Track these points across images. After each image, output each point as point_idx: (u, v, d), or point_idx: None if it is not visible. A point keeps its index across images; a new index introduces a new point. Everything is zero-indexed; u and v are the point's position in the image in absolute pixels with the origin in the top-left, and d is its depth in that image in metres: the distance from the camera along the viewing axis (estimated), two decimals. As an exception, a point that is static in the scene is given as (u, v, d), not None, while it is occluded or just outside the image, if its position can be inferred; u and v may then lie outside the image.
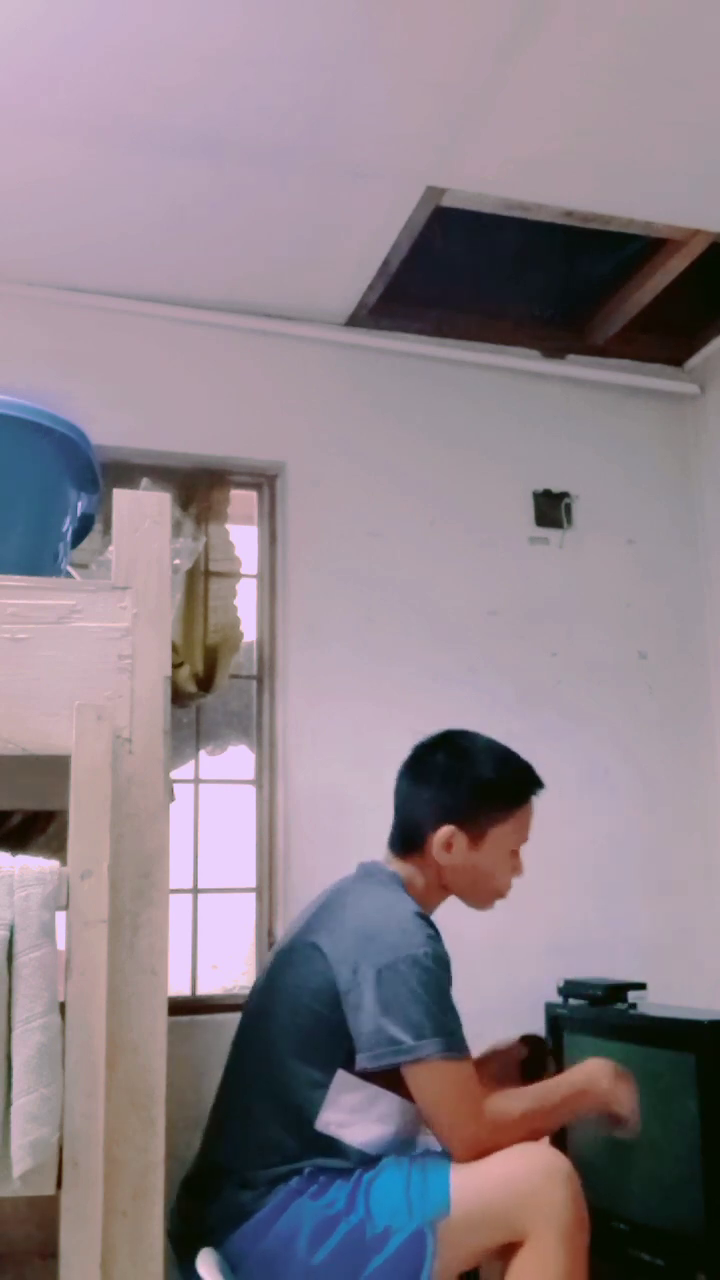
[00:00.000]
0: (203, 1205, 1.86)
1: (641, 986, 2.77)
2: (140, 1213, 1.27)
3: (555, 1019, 2.77)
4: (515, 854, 2.08)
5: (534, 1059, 2.17)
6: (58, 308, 3.11)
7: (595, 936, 3.11)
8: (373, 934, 1.86)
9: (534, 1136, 1.81)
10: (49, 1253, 1.36)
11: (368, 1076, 1.82)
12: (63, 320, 3.11)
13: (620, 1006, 2.69)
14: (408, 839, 2.07)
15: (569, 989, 2.83)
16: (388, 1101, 1.84)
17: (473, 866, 2.04)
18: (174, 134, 2.58)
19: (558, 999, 2.82)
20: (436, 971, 1.83)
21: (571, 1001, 2.81)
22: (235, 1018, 2.93)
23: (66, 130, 2.55)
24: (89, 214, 2.85)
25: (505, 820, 2.06)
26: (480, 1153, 1.77)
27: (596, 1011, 2.72)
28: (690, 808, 3.39)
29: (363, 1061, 1.80)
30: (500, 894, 2.08)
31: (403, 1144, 1.88)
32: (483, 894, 2.07)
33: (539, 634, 3.36)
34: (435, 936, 1.90)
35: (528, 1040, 2.20)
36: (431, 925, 1.93)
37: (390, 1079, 1.82)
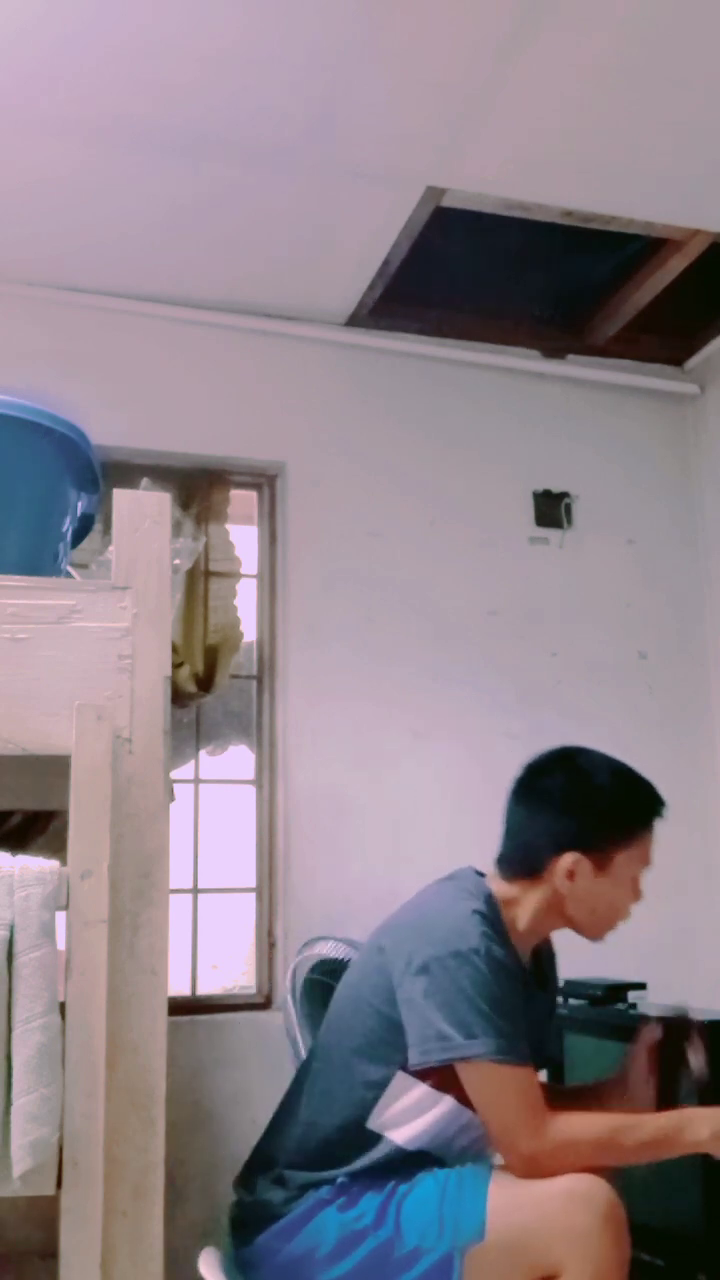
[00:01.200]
0: (245, 1195, 1.84)
1: (641, 986, 2.76)
2: (140, 1213, 1.27)
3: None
4: (636, 881, 1.93)
5: (672, 1044, 1.96)
6: (58, 308, 3.12)
7: (595, 936, 3.10)
8: (426, 928, 1.80)
9: (601, 1169, 1.68)
10: (49, 1253, 1.36)
11: (425, 1077, 1.76)
12: (63, 320, 3.11)
13: (620, 1006, 2.69)
14: (522, 864, 1.91)
15: (569, 989, 2.82)
16: (445, 1105, 1.77)
17: (597, 895, 1.89)
18: (174, 134, 2.58)
19: (652, 1017, 2.80)
20: (488, 971, 1.72)
21: (571, 1001, 2.80)
22: (235, 1018, 2.96)
23: (66, 130, 2.56)
24: (89, 214, 2.85)
25: (631, 846, 1.90)
26: (536, 1171, 1.67)
27: (596, 1011, 2.72)
28: (690, 808, 3.39)
29: (413, 1057, 1.73)
30: (619, 921, 1.95)
31: (449, 1146, 1.80)
32: (602, 923, 1.93)
33: (539, 634, 3.36)
34: (493, 937, 1.78)
35: (667, 1022, 2.00)
36: (491, 925, 1.80)
37: (449, 1081, 1.74)
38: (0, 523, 1.60)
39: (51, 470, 1.67)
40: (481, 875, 1.95)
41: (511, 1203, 1.66)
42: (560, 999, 2.79)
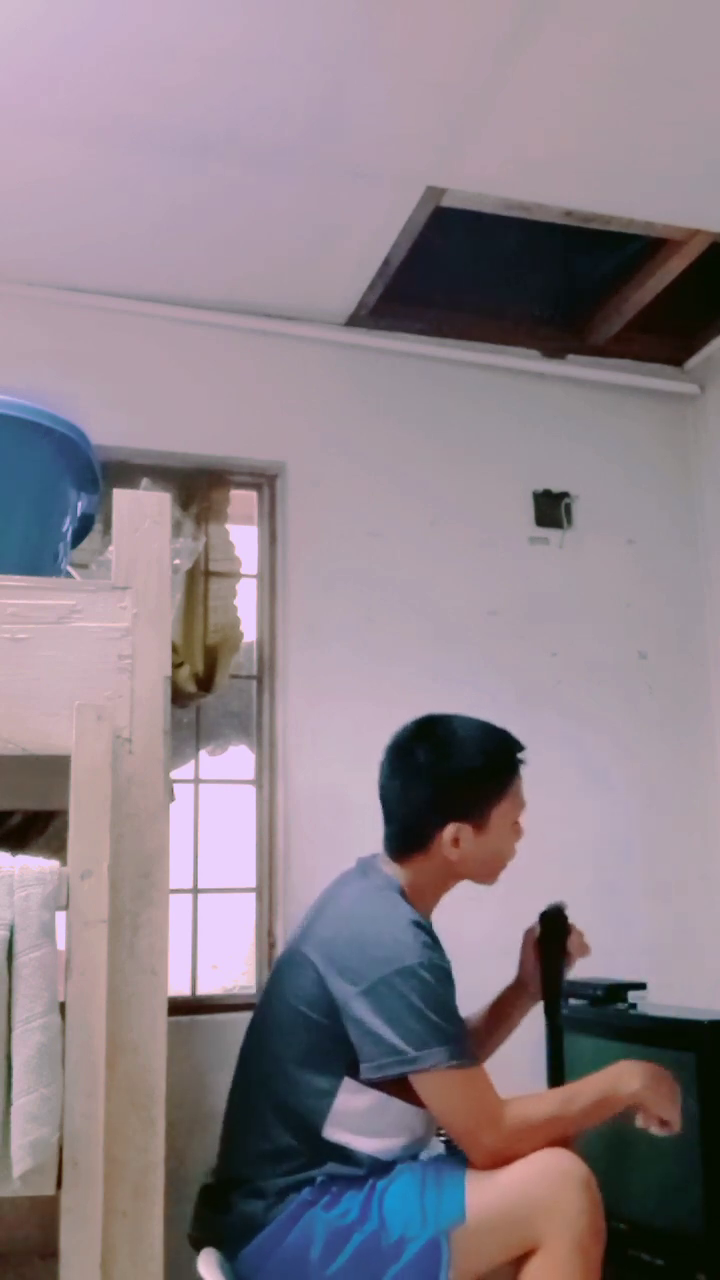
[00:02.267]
0: (217, 1215, 1.85)
1: (641, 986, 2.76)
2: (140, 1213, 1.27)
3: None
4: (516, 824, 2.06)
5: (548, 934, 2.14)
6: (58, 308, 3.11)
7: (595, 936, 3.09)
8: (365, 946, 1.83)
9: (558, 1142, 1.77)
10: (49, 1253, 1.36)
11: (374, 1084, 1.80)
12: (63, 320, 3.11)
13: (620, 1006, 2.69)
14: (409, 842, 2.01)
15: (569, 989, 2.82)
16: (398, 1108, 1.81)
17: (483, 851, 2.00)
18: (174, 134, 2.58)
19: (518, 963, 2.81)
20: (433, 982, 1.78)
21: (571, 1001, 2.80)
22: (235, 1018, 2.95)
23: (66, 130, 2.55)
24: (89, 214, 2.85)
25: (502, 798, 2.02)
26: (501, 1161, 1.74)
27: (596, 1011, 2.72)
28: (690, 807, 3.39)
29: (366, 1072, 1.78)
30: (506, 862, 2.07)
31: (414, 1146, 1.86)
32: (493, 871, 2.05)
33: (539, 634, 3.36)
34: (431, 944, 1.85)
35: (543, 916, 2.16)
36: (428, 932, 1.88)
37: (399, 1085, 1.79)
38: (0, 523, 1.60)
39: (51, 470, 1.67)
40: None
41: (489, 1183, 1.72)
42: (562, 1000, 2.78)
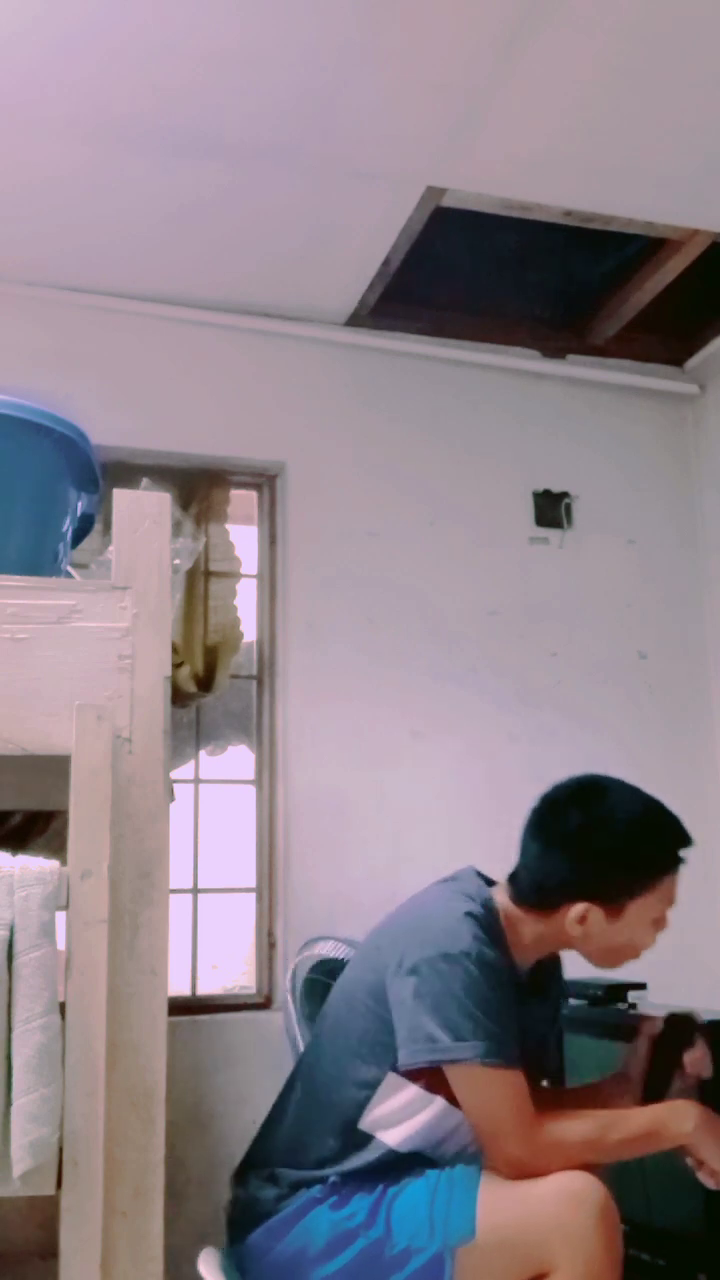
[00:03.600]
0: (238, 1191, 1.85)
1: (641, 986, 2.76)
2: (140, 1213, 1.27)
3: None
4: (658, 920, 1.89)
5: (668, 1040, 1.94)
6: (58, 308, 3.12)
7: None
8: (418, 929, 1.79)
9: (591, 1165, 1.68)
10: (49, 1253, 1.36)
11: (416, 1078, 1.75)
12: (63, 320, 3.11)
13: (620, 1006, 2.69)
14: (533, 898, 1.86)
15: (569, 989, 2.82)
16: (436, 1107, 1.76)
17: (609, 938, 1.85)
18: (174, 134, 2.58)
19: (657, 1016, 2.80)
20: (479, 974, 1.71)
21: (571, 1001, 2.80)
22: (235, 1018, 2.96)
23: (66, 130, 2.55)
24: (89, 214, 2.85)
25: (647, 892, 1.86)
26: (523, 1172, 1.66)
27: (596, 1011, 2.72)
28: (690, 808, 3.36)
29: (403, 1057, 1.73)
30: (634, 957, 1.89)
31: (441, 1147, 1.80)
32: (614, 960, 1.89)
33: (539, 634, 3.36)
34: (486, 940, 1.76)
35: (670, 1018, 1.98)
36: (485, 929, 1.78)
37: (439, 1083, 1.74)
38: (0, 523, 1.60)
39: (51, 470, 1.67)
40: (489, 881, 1.93)
41: (502, 1201, 1.66)
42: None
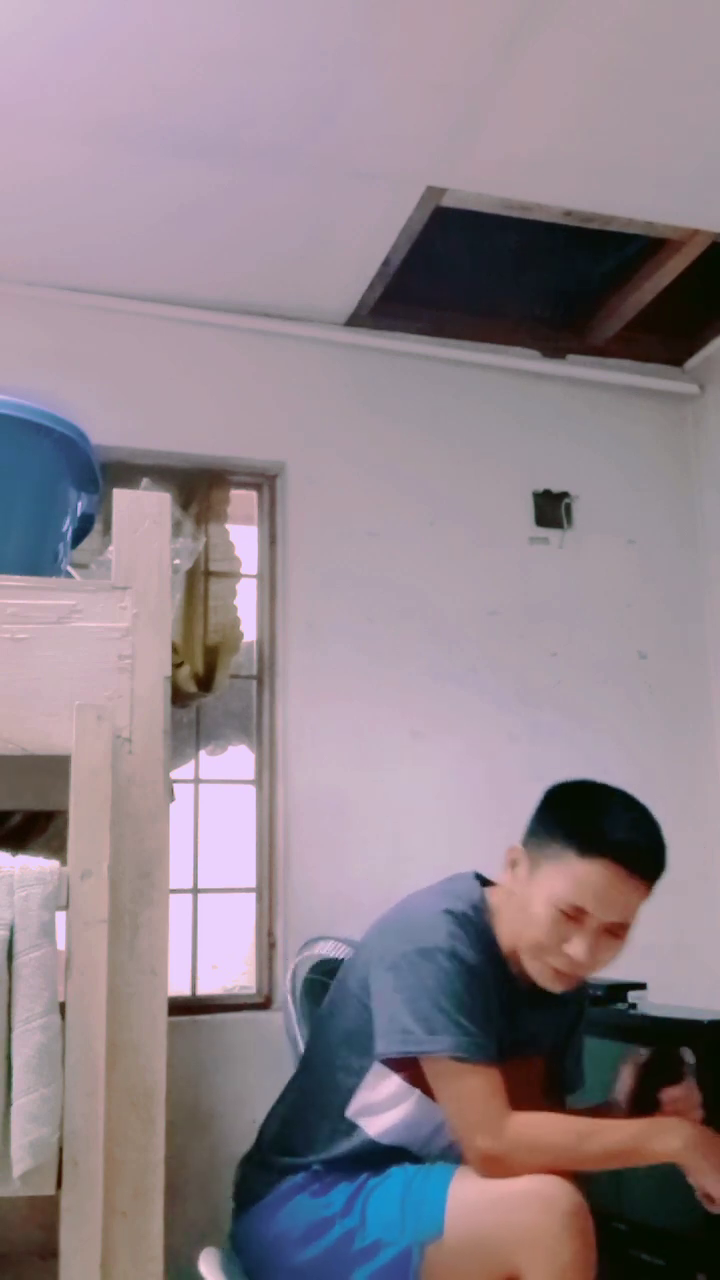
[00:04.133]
0: (241, 1170, 1.91)
1: (641, 986, 2.76)
2: (140, 1213, 1.27)
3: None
4: (569, 918, 1.76)
5: (655, 1069, 1.90)
6: (58, 308, 3.11)
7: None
8: (401, 926, 1.83)
9: (565, 1170, 1.65)
10: (49, 1253, 1.36)
11: (399, 1070, 1.78)
12: (63, 320, 3.11)
13: (620, 1006, 2.69)
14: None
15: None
16: (416, 1100, 1.78)
17: (521, 899, 1.81)
18: (174, 134, 2.58)
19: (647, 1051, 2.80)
20: (453, 970, 1.72)
21: (571, 1001, 2.80)
22: (235, 1018, 2.96)
23: (66, 130, 2.55)
24: (89, 214, 2.85)
25: (561, 861, 1.76)
26: (497, 1170, 1.65)
27: (596, 1011, 2.72)
28: (690, 807, 3.39)
29: (380, 1046, 1.75)
30: (542, 950, 1.78)
31: (424, 1140, 1.82)
32: (527, 942, 1.80)
33: (539, 634, 3.36)
34: (463, 939, 1.76)
35: (663, 1051, 1.94)
36: (464, 927, 1.78)
37: (420, 1076, 1.76)
38: (0, 523, 1.60)
39: (51, 470, 1.67)
40: (485, 882, 1.94)
41: (473, 1201, 1.65)
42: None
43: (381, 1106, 1.80)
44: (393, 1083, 1.79)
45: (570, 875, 1.75)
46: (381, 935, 1.86)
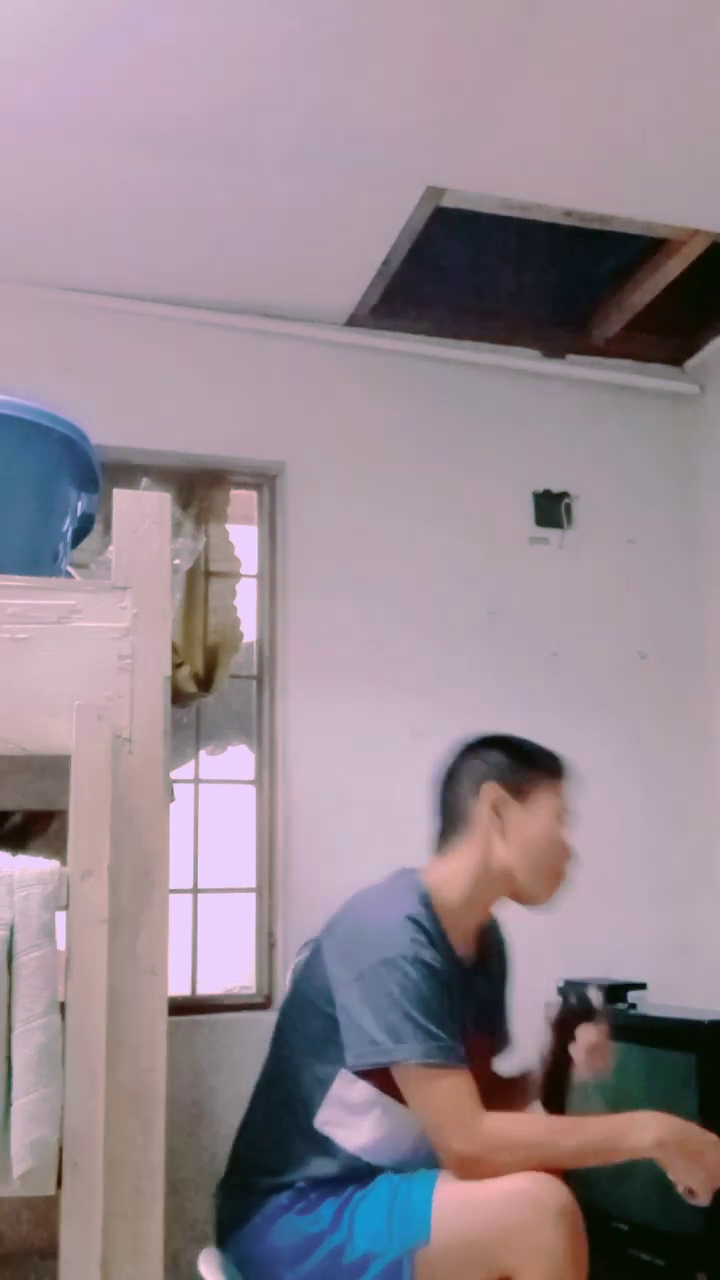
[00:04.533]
0: (219, 1199, 1.88)
1: (641, 986, 2.76)
2: (140, 1213, 1.27)
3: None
4: (566, 814, 1.93)
5: (564, 1017, 1.93)
6: (58, 308, 3.11)
7: (595, 936, 3.11)
8: (359, 934, 1.83)
9: (541, 1168, 1.65)
10: (49, 1253, 1.36)
11: (364, 1075, 1.78)
12: (63, 320, 3.11)
13: (620, 1006, 2.69)
14: (450, 824, 1.94)
15: (569, 989, 2.82)
16: (385, 1106, 1.78)
17: (525, 827, 1.88)
18: (174, 134, 2.58)
19: (558, 999, 2.82)
20: (417, 976, 1.73)
21: (571, 1001, 2.80)
22: (235, 1018, 2.96)
23: (66, 131, 2.55)
24: (89, 214, 2.85)
25: (548, 784, 1.93)
26: (473, 1171, 1.65)
27: (596, 1011, 2.72)
28: (690, 808, 3.39)
29: (349, 1059, 1.75)
30: (561, 865, 1.91)
31: (410, 1154, 1.80)
32: (539, 864, 1.88)
33: (539, 634, 3.36)
34: (423, 942, 1.78)
35: (564, 993, 2.00)
36: (424, 930, 1.80)
37: (388, 1082, 1.76)
38: (0, 523, 1.59)
39: (51, 470, 1.67)
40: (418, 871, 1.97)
41: (460, 1205, 1.64)
42: (561, 999, 2.78)
43: (352, 1112, 1.79)
44: (360, 1089, 1.78)
45: (559, 792, 1.95)
46: (340, 944, 1.84)
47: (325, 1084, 1.80)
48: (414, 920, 1.80)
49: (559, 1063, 1.91)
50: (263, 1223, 1.75)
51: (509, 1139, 1.69)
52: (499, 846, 1.89)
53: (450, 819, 1.96)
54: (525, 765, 1.94)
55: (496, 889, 1.92)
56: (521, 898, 1.93)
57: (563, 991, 1.96)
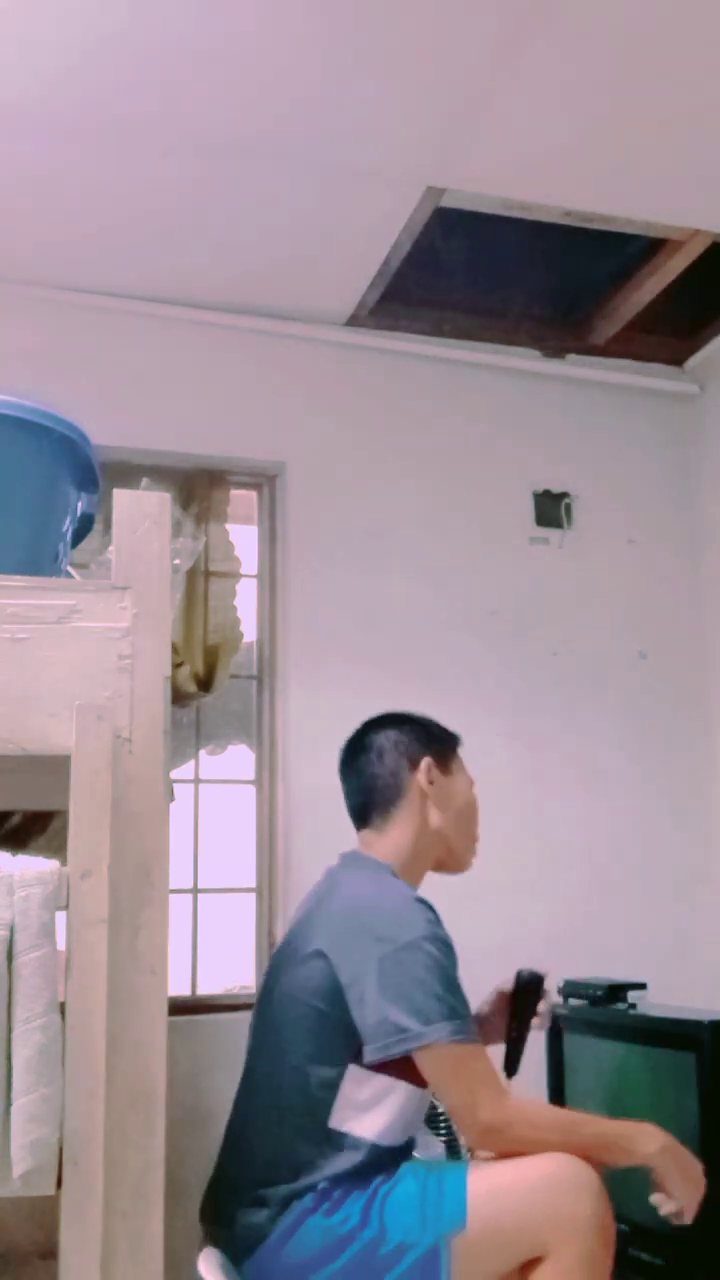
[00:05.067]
0: (221, 1230, 1.81)
1: (641, 986, 2.76)
2: (140, 1213, 1.27)
3: (555, 1019, 2.77)
4: (470, 781, 2.11)
5: (521, 998, 2.08)
6: (58, 308, 3.12)
7: (595, 936, 3.11)
8: (370, 924, 1.81)
9: (557, 1150, 1.70)
10: (49, 1253, 1.36)
11: (379, 1068, 1.77)
12: (62, 320, 3.11)
13: (620, 1006, 2.69)
14: (381, 799, 2.05)
15: (569, 989, 2.83)
16: (401, 1091, 1.79)
17: (453, 793, 2.04)
18: (174, 134, 2.58)
19: (558, 999, 2.83)
20: (438, 955, 1.76)
21: (571, 1001, 2.81)
22: (235, 1018, 2.95)
23: (66, 130, 2.56)
24: (89, 214, 2.85)
25: (458, 753, 2.11)
26: (497, 1140, 1.72)
27: (596, 1011, 2.72)
28: (690, 807, 3.39)
29: (371, 1053, 1.74)
30: (474, 827, 2.08)
31: (410, 1130, 1.83)
32: (467, 830, 2.06)
33: (539, 634, 3.36)
34: (435, 920, 1.84)
35: (521, 977, 2.11)
36: (430, 909, 1.86)
37: (402, 1067, 1.77)
38: (0, 523, 1.59)
39: (51, 470, 1.67)
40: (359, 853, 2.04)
41: (494, 1189, 1.68)
42: (561, 999, 2.80)
43: (366, 1105, 1.78)
44: (375, 1082, 1.78)
45: (462, 765, 2.11)
46: (338, 940, 1.82)
47: (332, 1086, 1.78)
48: (419, 900, 1.86)
49: (521, 1026, 2.07)
50: (283, 1234, 1.71)
51: (536, 1117, 1.77)
52: (434, 814, 2.02)
53: (378, 793, 2.06)
54: (441, 738, 2.10)
55: (431, 856, 2.04)
56: (447, 865, 2.06)
57: (519, 973, 2.11)
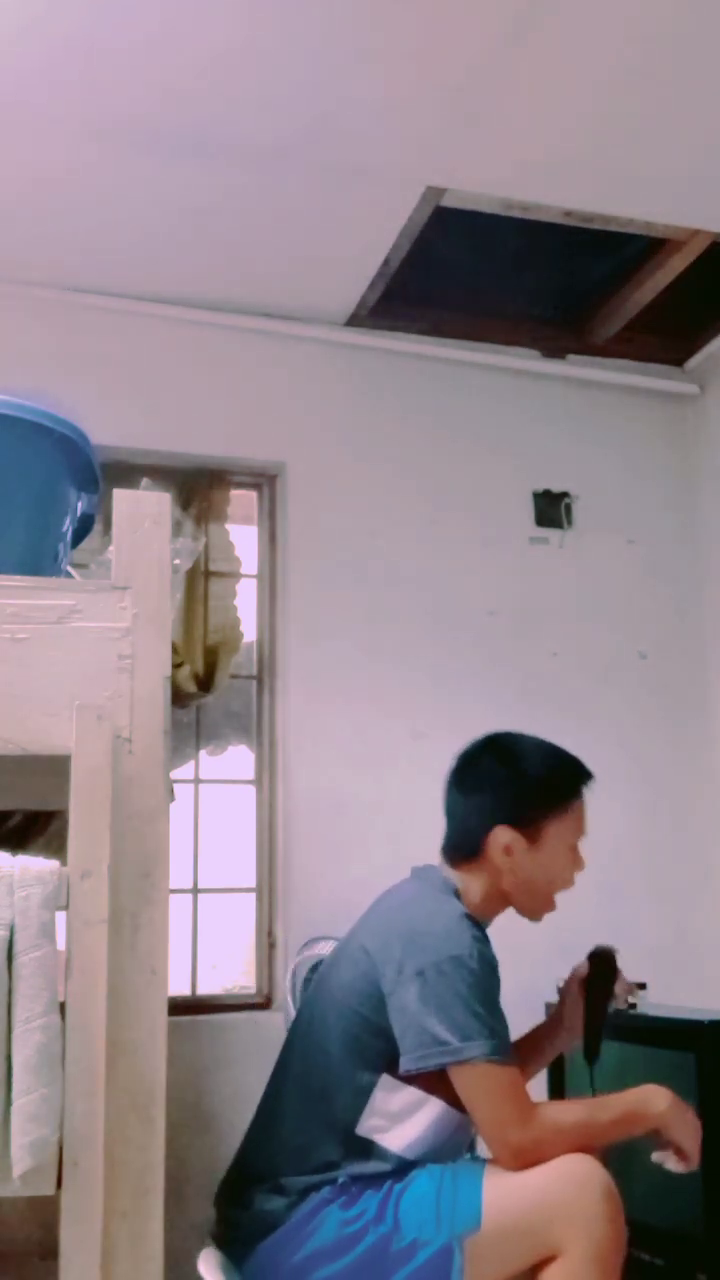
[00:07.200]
0: (237, 1211, 1.83)
1: (641, 986, 2.76)
2: (140, 1213, 1.27)
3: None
4: (574, 850, 1.99)
5: (596, 976, 2.08)
6: (59, 308, 3.12)
7: (596, 937, 3.10)
8: (417, 934, 1.82)
9: (584, 1149, 1.73)
10: (49, 1253, 1.36)
11: (413, 1080, 1.78)
12: (64, 320, 3.11)
13: (620, 1006, 2.69)
14: (462, 846, 1.98)
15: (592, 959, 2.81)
16: (432, 1106, 1.79)
17: (532, 868, 1.95)
18: (175, 135, 2.58)
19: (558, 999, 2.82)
20: (482, 974, 1.77)
21: (571, 1001, 2.80)
22: (235, 1018, 2.96)
23: (67, 131, 2.56)
24: (90, 214, 2.85)
25: (560, 817, 1.97)
26: (525, 1160, 1.71)
27: (596, 1011, 2.72)
28: (691, 808, 3.39)
29: (407, 1063, 1.75)
30: (560, 891, 2.01)
31: (446, 1150, 1.82)
32: (539, 897, 1.98)
33: (539, 634, 3.36)
34: (482, 939, 1.84)
35: (592, 956, 2.11)
36: (479, 928, 1.87)
37: (436, 1083, 1.77)
38: (0, 523, 1.59)
39: (51, 470, 1.67)
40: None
41: (508, 1189, 1.69)
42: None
43: (396, 1118, 1.79)
44: (405, 1094, 1.78)
45: (574, 822, 1.99)
46: (388, 946, 1.82)
47: (365, 1093, 1.79)
48: (469, 918, 1.86)
49: (599, 1005, 2.07)
50: (300, 1221, 1.73)
51: (560, 1122, 1.76)
52: (507, 880, 1.95)
53: (460, 836, 1.99)
54: (537, 804, 1.97)
55: (500, 909, 2.00)
56: (518, 911, 2.02)
57: (591, 952, 2.14)
